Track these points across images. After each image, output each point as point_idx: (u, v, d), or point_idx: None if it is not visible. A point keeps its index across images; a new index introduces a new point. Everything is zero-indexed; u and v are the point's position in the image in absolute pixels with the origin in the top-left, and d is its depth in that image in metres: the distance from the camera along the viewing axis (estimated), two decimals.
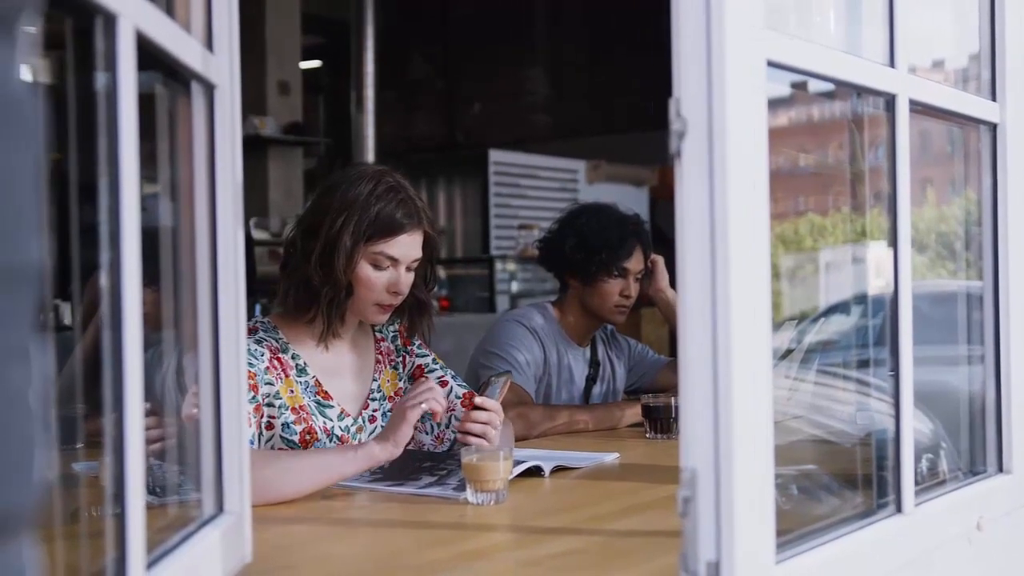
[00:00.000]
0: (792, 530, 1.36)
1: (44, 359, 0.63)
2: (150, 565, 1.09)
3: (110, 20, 1.01)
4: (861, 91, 1.60)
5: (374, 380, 2.40)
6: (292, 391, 2.23)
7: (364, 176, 2.26)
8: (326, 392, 2.29)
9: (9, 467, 0.59)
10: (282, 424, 2.20)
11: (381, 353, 2.43)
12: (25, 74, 0.63)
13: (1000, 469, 1.86)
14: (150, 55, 1.13)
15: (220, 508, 1.39)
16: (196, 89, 1.36)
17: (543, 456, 2.23)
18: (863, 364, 1.99)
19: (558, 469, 2.23)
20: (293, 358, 2.27)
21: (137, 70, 1.05)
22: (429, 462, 2.17)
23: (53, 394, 0.65)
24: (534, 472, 2.15)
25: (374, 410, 2.38)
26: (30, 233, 0.62)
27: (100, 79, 1.03)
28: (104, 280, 1.03)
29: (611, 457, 2.41)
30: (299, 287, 2.25)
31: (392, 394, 2.41)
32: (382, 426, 2.34)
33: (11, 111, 0.60)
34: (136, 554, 1.02)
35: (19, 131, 0.61)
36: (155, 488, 1.37)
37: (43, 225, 0.63)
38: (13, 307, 0.59)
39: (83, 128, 1.05)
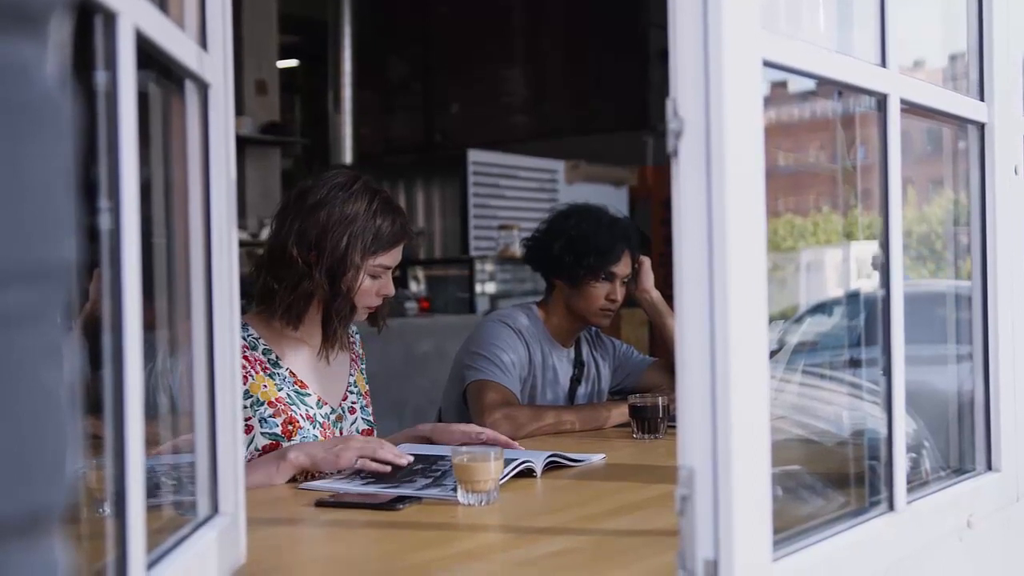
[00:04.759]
0: (788, 528, 1.37)
1: (75, 357, 0.63)
2: (150, 566, 1.08)
3: (110, 18, 1.00)
4: (854, 91, 1.61)
5: (350, 375, 2.49)
6: (266, 386, 2.29)
7: (354, 190, 2.33)
8: (302, 381, 2.36)
9: (43, 466, 0.59)
10: (260, 420, 2.26)
11: (355, 353, 2.54)
12: (57, 71, 0.63)
13: (989, 467, 1.87)
14: (146, 54, 1.12)
15: (215, 509, 1.39)
16: (190, 88, 1.35)
17: (533, 455, 2.23)
18: (849, 364, 2.00)
19: (551, 467, 2.24)
20: (264, 353, 2.33)
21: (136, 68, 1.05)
22: (420, 464, 2.17)
23: (82, 393, 0.65)
24: (525, 473, 2.15)
25: (352, 402, 2.47)
26: (63, 232, 0.61)
27: (99, 77, 1.02)
28: (103, 280, 1.02)
29: (599, 458, 2.41)
30: (302, 299, 2.31)
31: (364, 391, 2.52)
32: (362, 419, 2.47)
33: (44, 110, 0.60)
34: (136, 555, 1.02)
35: (52, 130, 0.61)
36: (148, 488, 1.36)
37: (75, 224, 0.63)
38: (46, 306, 0.59)
39: (80, 126, 1.05)
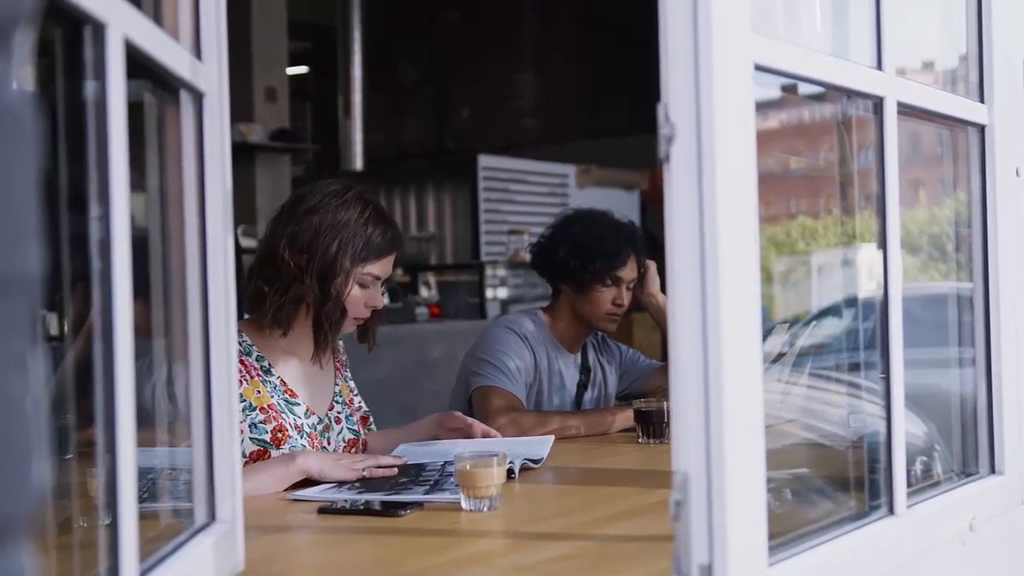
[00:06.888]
0: (785, 532, 1.36)
1: (41, 367, 0.64)
2: (144, 573, 1.09)
3: (99, 29, 1.01)
4: (849, 94, 1.61)
5: (336, 385, 2.52)
6: (259, 392, 2.32)
7: (347, 198, 2.37)
8: (292, 391, 2.38)
9: (7, 474, 0.60)
10: (250, 425, 2.28)
11: (339, 362, 2.56)
12: (22, 83, 0.63)
13: (992, 470, 1.86)
14: (138, 63, 1.13)
15: (212, 517, 1.39)
16: (185, 97, 1.36)
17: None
18: (855, 367, 2.00)
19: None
20: (258, 360, 2.37)
21: (126, 78, 1.05)
22: (405, 477, 2.17)
23: (49, 402, 0.65)
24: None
25: (338, 412, 2.50)
26: (29, 242, 0.62)
27: (89, 87, 1.03)
28: (94, 290, 1.02)
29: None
30: (291, 303, 2.34)
31: (348, 400, 2.55)
32: (347, 428, 2.50)
33: (9, 120, 0.61)
34: (129, 563, 1.02)
35: (18, 140, 0.61)
36: (145, 496, 1.37)
37: (41, 234, 0.63)
38: (12, 315, 0.60)
39: (71, 136, 1.05)
